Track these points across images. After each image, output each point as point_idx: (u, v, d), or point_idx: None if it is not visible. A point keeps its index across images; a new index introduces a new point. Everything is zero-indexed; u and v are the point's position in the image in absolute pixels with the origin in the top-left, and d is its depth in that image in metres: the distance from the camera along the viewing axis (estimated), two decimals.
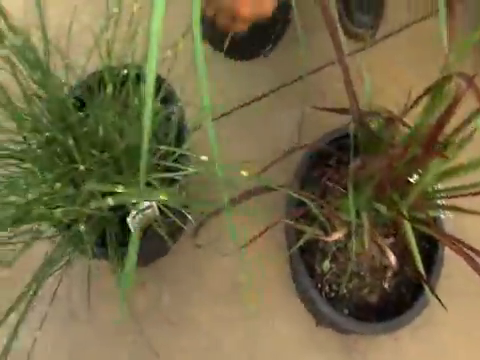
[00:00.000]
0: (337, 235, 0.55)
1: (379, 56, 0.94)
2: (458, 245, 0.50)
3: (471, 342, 0.76)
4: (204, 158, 0.44)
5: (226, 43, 0.68)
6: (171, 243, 0.76)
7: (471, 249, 0.47)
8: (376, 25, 0.96)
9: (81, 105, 0.62)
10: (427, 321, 0.75)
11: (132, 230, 0.53)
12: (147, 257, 0.76)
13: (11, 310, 0.36)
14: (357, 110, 0.50)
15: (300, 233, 0.64)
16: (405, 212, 0.53)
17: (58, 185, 0.44)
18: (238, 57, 0.93)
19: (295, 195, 0.59)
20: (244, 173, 0.37)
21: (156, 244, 0.71)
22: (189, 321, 0.77)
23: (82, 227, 0.42)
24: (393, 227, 0.68)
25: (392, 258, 0.58)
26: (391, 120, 0.54)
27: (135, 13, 0.51)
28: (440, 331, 0.76)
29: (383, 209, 0.56)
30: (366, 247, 0.55)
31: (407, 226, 0.56)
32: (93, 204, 0.36)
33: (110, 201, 0.32)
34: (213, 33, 0.78)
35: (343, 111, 0.58)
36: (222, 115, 0.86)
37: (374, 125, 0.56)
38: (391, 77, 0.91)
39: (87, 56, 0.51)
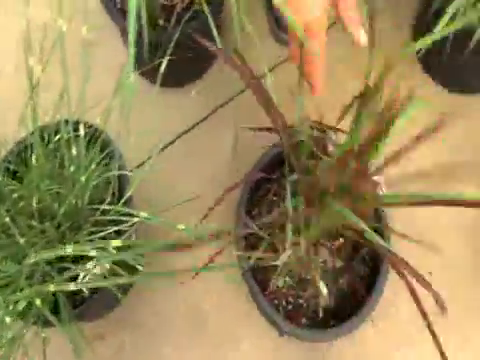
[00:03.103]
0: (284, 256, 0.62)
1: None
2: (401, 266, 0.57)
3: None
4: (143, 214, 0.50)
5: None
6: (122, 294, 0.80)
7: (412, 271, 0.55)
8: None
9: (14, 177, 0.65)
10: (385, 312, 0.86)
11: (85, 291, 0.57)
12: (103, 309, 0.80)
13: None
14: (282, 125, 0.57)
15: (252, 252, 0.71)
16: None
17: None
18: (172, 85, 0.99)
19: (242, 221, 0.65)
20: (181, 226, 0.44)
21: (110, 295, 0.76)
22: None
23: (38, 302, 0.46)
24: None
25: (324, 291, 0.67)
26: (322, 130, 0.61)
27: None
28: (400, 318, 0.87)
29: (325, 220, 0.64)
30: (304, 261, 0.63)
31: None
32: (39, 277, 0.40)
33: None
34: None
35: (269, 129, 0.65)
36: (163, 148, 0.92)
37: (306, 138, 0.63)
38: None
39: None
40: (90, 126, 0.69)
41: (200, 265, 0.64)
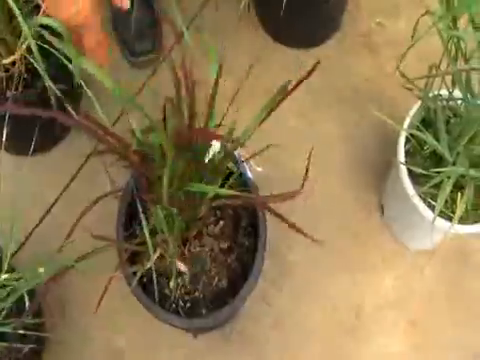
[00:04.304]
0: (152, 260, 0.66)
1: None
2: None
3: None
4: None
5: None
6: None
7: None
8: (158, 47, 1.07)
9: None
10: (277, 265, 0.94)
11: None
12: None
13: None
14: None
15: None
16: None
17: None
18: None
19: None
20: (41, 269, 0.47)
21: None
22: None
23: None
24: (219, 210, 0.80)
25: (182, 267, 0.73)
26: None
27: None
28: (293, 268, 0.96)
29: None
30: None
31: None
32: None
33: None
34: None
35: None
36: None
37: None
38: None
39: None
40: None
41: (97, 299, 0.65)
